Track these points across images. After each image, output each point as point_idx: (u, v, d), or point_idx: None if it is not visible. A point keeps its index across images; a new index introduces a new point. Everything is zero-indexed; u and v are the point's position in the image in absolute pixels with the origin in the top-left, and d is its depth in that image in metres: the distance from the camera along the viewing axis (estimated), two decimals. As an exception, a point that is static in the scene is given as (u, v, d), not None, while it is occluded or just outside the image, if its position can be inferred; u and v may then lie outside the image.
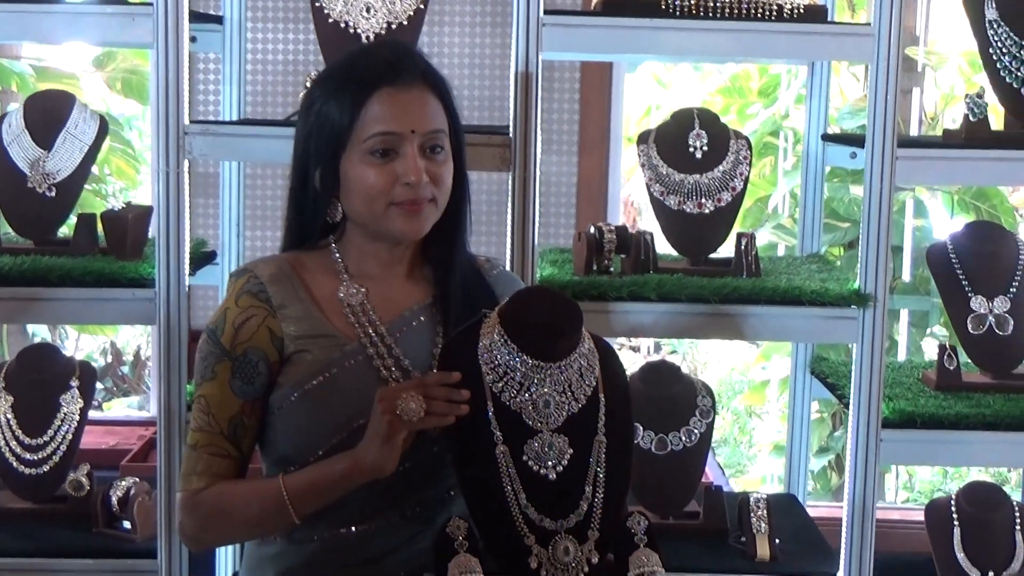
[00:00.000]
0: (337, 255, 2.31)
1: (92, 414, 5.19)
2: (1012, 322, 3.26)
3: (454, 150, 2.28)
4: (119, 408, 6.40)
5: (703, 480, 3.42)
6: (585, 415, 2.19)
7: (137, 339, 6.69)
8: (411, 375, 2.24)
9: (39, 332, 5.96)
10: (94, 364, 6.43)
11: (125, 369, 6.71)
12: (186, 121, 3.02)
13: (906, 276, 5.78)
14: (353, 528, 2.26)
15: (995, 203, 5.58)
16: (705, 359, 6.97)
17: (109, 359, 6.70)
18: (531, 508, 2.15)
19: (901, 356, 5.35)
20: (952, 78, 5.83)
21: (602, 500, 2.18)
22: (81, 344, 6.54)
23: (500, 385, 2.15)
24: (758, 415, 6.68)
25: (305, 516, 2.18)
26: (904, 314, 5.86)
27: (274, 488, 2.17)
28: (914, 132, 5.55)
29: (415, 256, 2.35)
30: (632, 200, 7.21)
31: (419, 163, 2.20)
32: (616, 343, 6.77)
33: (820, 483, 6.09)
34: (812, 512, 3.64)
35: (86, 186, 5.53)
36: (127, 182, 5.98)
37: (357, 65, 2.25)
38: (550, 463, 2.16)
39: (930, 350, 5.57)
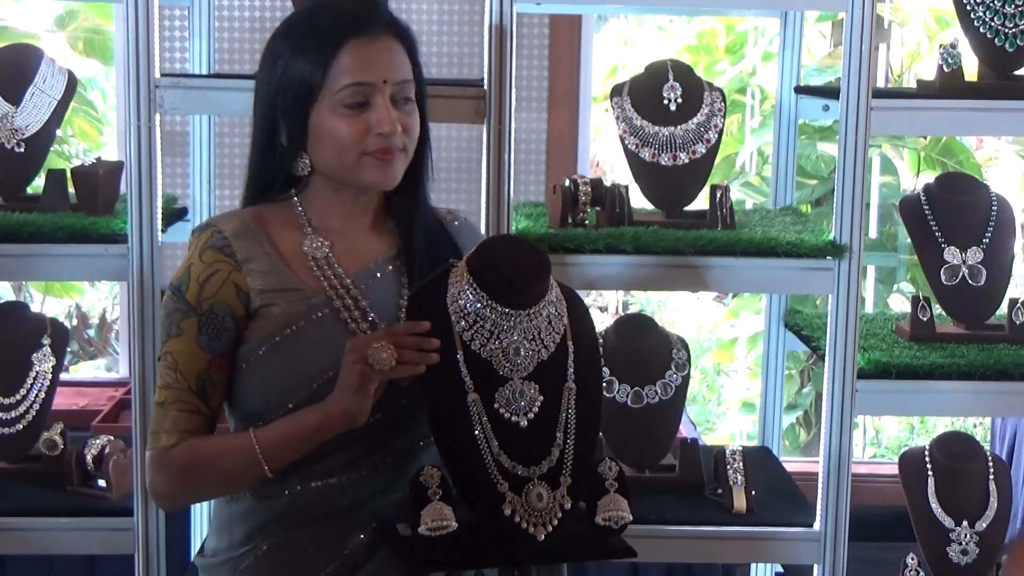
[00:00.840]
0: (300, 208, 2.29)
1: (60, 376, 5.17)
2: (985, 273, 3.28)
3: (418, 101, 2.28)
4: (87, 370, 6.36)
5: (678, 434, 3.43)
6: (554, 362, 2.19)
7: (103, 302, 6.64)
8: (378, 327, 2.22)
9: (2, 294, 5.91)
10: (60, 327, 6.40)
11: (91, 332, 6.67)
12: (157, 74, 2.99)
13: (873, 232, 5.81)
14: (323, 482, 2.24)
15: (961, 159, 5.61)
16: (673, 317, 6.97)
17: (75, 322, 6.65)
18: (504, 456, 2.15)
19: (869, 312, 5.37)
20: (918, 35, 5.85)
21: (573, 446, 2.18)
22: (46, 307, 6.48)
23: (470, 334, 2.15)
24: (726, 373, 6.70)
25: (277, 470, 2.17)
26: (871, 270, 5.89)
27: (245, 442, 2.16)
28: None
29: (378, 208, 2.34)
30: (598, 161, 7.20)
31: (392, 113, 2.19)
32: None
33: (789, 439, 6.12)
34: (787, 467, 3.66)
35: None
36: (90, 143, 5.93)
37: (323, 17, 2.23)
38: (521, 411, 2.16)
39: (897, 306, 5.61)
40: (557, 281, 2.25)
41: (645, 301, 6.95)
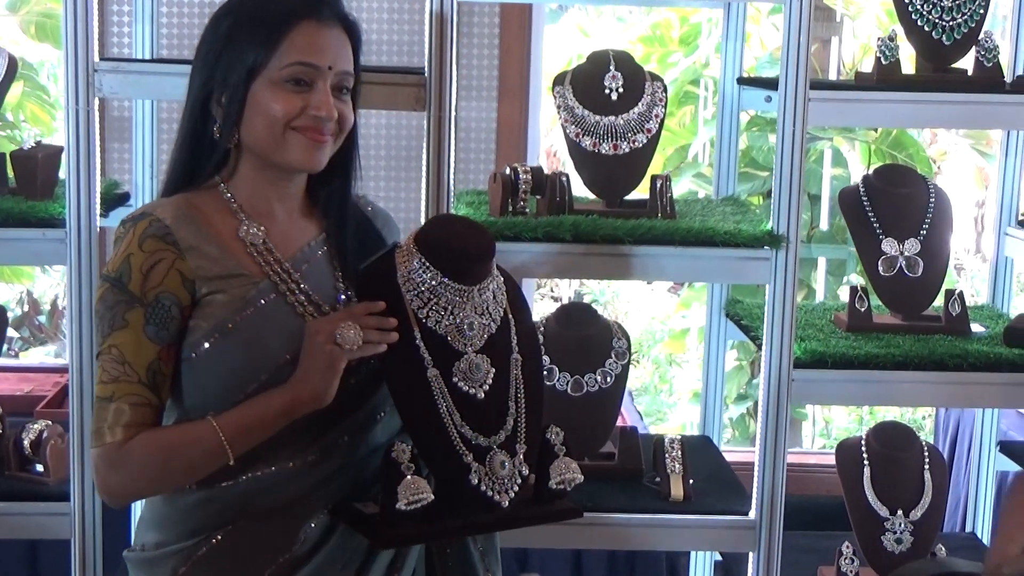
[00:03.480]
0: (228, 194, 2.28)
1: (6, 362, 5.16)
2: (922, 264, 3.30)
3: (352, 94, 2.30)
4: (38, 356, 6.33)
5: (620, 424, 3.44)
6: (501, 335, 2.26)
7: (55, 288, 6.62)
8: (323, 309, 2.23)
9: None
10: (10, 313, 6.38)
11: (42, 319, 6.64)
12: (96, 58, 2.98)
13: (824, 225, 5.85)
14: (278, 467, 2.23)
15: (911, 152, 5.65)
16: (626, 308, 7.00)
17: (26, 308, 6.62)
18: (466, 427, 2.21)
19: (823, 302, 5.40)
20: (870, 28, 5.89)
21: (525, 414, 2.26)
22: (-3, 294, 6.47)
23: (426, 311, 2.20)
24: (678, 364, 6.73)
25: (240, 456, 2.16)
26: (822, 262, 5.93)
27: (207, 430, 2.14)
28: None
29: (304, 194, 2.35)
30: (555, 151, 7.21)
31: (331, 99, 2.21)
32: (538, 292, 6.80)
33: (739, 430, 6.16)
34: (729, 457, 3.68)
35: (0, 132, 5.48)
36: (43, 128, 5.90)
37: None
38: (478, 383, 2.22)
39: (846, 298, 5.63)
40: None
41: (598, 292, 6.97)
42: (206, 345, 2.19)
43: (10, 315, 6.44)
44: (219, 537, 2.23)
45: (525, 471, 2.24)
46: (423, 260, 2.20)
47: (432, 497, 2.18)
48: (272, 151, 2.22)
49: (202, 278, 2.19)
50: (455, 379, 2.21)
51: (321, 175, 2.30)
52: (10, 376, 4.41)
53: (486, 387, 2.23)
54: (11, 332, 6.41)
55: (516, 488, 2.22)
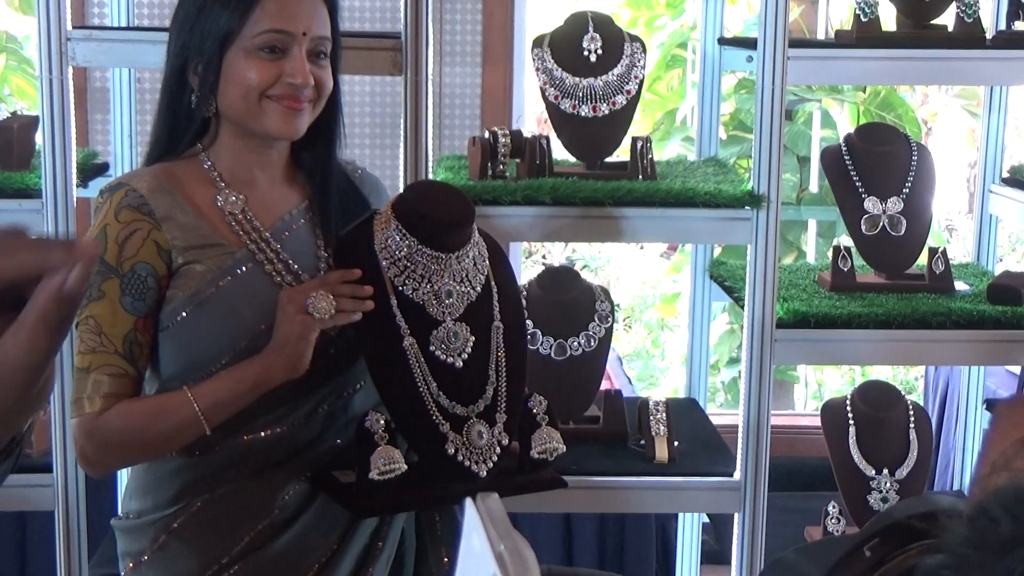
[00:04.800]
0: (208, 163, 2.27)
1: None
2: (905, 223, 3.29)
3: (332, 59, 2.28)
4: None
5: (606, 387, 3.43)
6: (481, 303, 2.25)
7: (44, 262, 6.60)
8: (302, 278, 2.23)
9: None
10: None
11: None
12: (69, 27, 2.96)
13: (813, 187, 5.83)
14: (256, 435, 2.23)
15: (900, 112, 5.63)
16: (617, 273, 6.99)
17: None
18: (443, 396, 2.20)
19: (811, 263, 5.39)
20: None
21: (505, 384, 2.25)
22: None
23: (402, 278, 2.18)
24: (670, 328, 6.72)
25: (216, 425, 2.16)
26: (812, 224, 5.92)
27: (183, 401, 2.14)
28: (820, 42, 5.55)
29: (287, 161, 2.33)
30: (545, 117, 7.18)
31: (306, 65, 2.19)
32: (530, 259, 6.79)
33: (731, 394, 6.16)
34: (720, 420, 3.68)
35: (-16, 105, 5.45)
36: (28, 102, 5.87)
37: None
38: (456, 351, 2.21)
39: (835, 259, 5.62)
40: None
41: (589, 258, 6.95)
42: (183, 315, 2.18)
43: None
44: (198, 505, 2.24)
45: (505, 441, 2.23)
46: (399, 227, 2.17)
47: (405, 467, 2.17)
48: (249, 120, 2.21)
49: (178, 248, 2.18)
50: (432, 348, 2.20)
51: (304, 141, 2.29)
52: (-3, 349, 4.40)
53: (465, 356, 2.22)
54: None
55: (495, 458, 2.22)
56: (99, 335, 2.16)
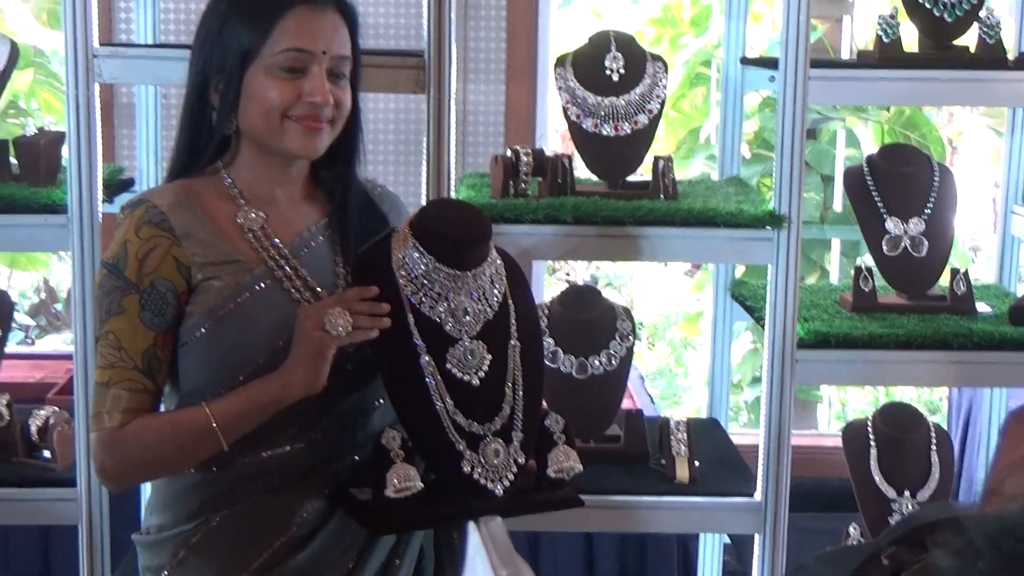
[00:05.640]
0: (229, 180, 2.29)
1: (20, 349, 5.18)
2: (927, 243, 3.28)
3: (353, 77, 2.29)
4: (55, 344, 6.36)
5: (628, 407, 3.43)
6: (499, 321, 2.24)
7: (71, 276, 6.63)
8: (320, 295, 2.23)
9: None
10: (28, 301, 6.41)
11: (59, 307, 6.66)
12: (95, 44, 2.98)
13: (837, 206, 5.82)
14: (274, 451, 2.24)
15: (925, 132, 5.62)
16: (641, 291, 6.98)
17: (43, 296, 6.65)
18: (459, 414, 2.19)
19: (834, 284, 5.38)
20: (882, 8, 5.84)
21: (522, 402, 2.25)
22: (13, 282, 6.48)
23: (419, 296, 2.18)
24: (693, 347, 6.71)
25: (233, 441, 2.17)
26: (836, 243, 5.91)
27: (200, 417, 2.15)
28: (844, 61, 5.54)
29: (307, 178, 2.34)
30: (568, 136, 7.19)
31: (326, 84, 2.20)
32: (553, 276, 6.79)
33: (754, 414, 6.14)
34: (742, 440, 3.67)
35: (11, 120, 5.50)
36: (55, 116, 5.91)
37: None
38: (473, 369, 2.21)
39: (860, 279, 5.61)
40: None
41: (613, 276, 6.95)
42: (201, 330, 2.19)
43: (27, 303, 6.48)
44: (216, 520, 2.24)
45: (521, 459, 2.23)
46: (417, 245, 2.18)
47: (421, 486, 2.17)
48: (269, 138, 2.22)
49: (197, 264, 2.20)
50: (449, 366, 2.20)
51: (324, 159, 2.30)
52: (21, 363, 4.43)
53: (481, 374, 2.22)
54: (28, 320, 6.44)
55: (511, 476, 2.21)
56: (119, 350, 2.17)
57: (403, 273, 2.19)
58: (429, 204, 2.32)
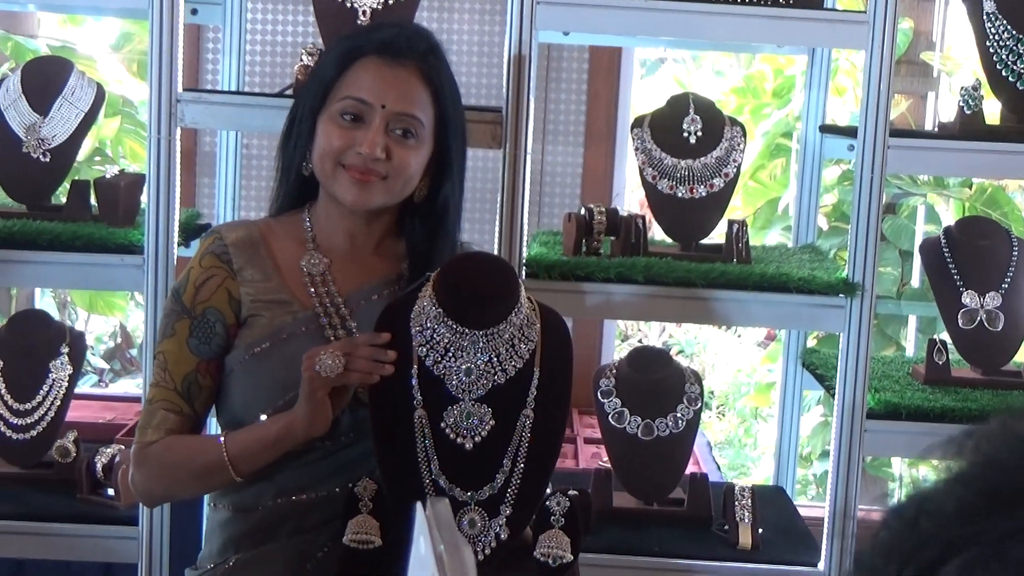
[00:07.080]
0: (307, 223, 2.32)
1: (93, 390, 5.23)
2: (1003, 318, 3.25)
3: (440, 143, 2.28)
4: (129, 387, 6.42)
5: (693, 471, 3.41)
6: (513, 387, 2.13)
7: (147, 322, 6.70)
8: None
9: (47, 310, 5.97)
10: (104, 346, 6.48)
11: (134, 352, 6.74)
12: (179, 89, 3.03)
13: (915, 282, 5.76)
14: (294, 497, 2.27)
15: (1006, 211, 5.56)
16: (713, 360, 6.95)
17: (119, 341, 6.72)
18: (443, 477, 2.12)
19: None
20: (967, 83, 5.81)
21: (520, 475, 2.13)
22: (91, 327, 6.57)
23: (425, 349, 2.11)
24: (763, 418, 6.65)
25: (247, 474, 2.19)
26: (912, 320, 5.84)
27: (215, 445, 2.19)
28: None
29: (387, 231, 2.35)
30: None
31: (379, 138, 2.20)
32: (626, 342, 6.77)
33: (823, 487, 6.06)
34: (810, 512, 3.62)
35: (96, 166, 5.59)
36: (140, 165, 6.00)
37: (364, 32, 2.31)
38: (468, 433, 2.11)
39: (937, 356, 5.54)
40: (540, 304, 2.20)
41: (685, 343, 6.92)
42: (241, 363, 2.25)
43: (103, 347, 6.56)
44: (232, 562, 2.30)
45: (503, 535, 2.12)
46: (432, 296, 2.11)
47: (379, 542, 2.10)
48: (328, 185, 2.26)
49: (248, 299, 2.25)
50: (443, 425, 2.11)
51: (410, 217, 2.31)
52: (93, 404, 4.47)
53: (478, 439, 2.11)
54: (102, 363, 6.51)
55: (488, 551, 2.11)
56: (164, 371, 2.25)
57: (416, 323, 2.12)
58: (457, 257, 2.25)
